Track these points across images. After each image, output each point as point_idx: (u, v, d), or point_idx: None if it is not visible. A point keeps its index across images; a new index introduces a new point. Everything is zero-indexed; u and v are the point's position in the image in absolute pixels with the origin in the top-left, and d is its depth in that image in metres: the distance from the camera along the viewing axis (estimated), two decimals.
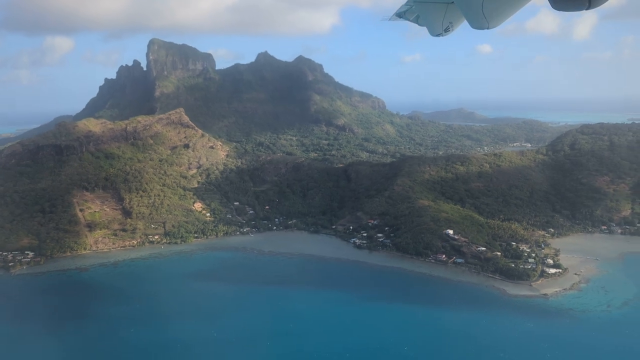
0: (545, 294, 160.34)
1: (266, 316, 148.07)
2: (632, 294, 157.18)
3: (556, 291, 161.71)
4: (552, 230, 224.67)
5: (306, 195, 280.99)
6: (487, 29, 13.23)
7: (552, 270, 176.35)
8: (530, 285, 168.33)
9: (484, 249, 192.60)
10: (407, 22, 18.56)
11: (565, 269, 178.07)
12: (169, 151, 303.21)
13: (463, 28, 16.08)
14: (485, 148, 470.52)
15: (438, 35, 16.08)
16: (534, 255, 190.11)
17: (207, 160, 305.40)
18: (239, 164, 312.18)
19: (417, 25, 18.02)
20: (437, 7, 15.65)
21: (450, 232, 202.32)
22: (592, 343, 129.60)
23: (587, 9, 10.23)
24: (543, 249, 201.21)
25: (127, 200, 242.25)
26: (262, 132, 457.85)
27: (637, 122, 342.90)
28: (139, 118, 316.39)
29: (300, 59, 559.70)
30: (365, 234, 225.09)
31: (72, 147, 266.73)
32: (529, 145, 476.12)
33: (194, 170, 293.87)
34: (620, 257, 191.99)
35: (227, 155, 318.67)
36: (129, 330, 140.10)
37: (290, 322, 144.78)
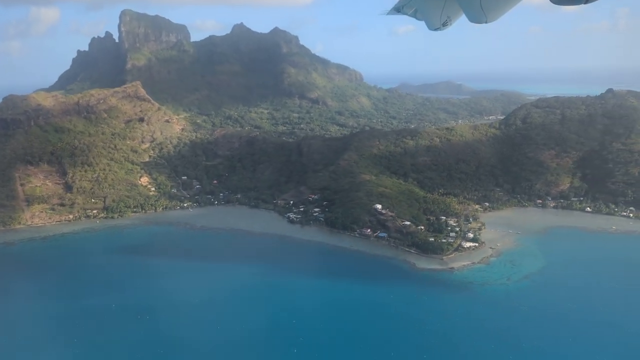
0: (452, 268, 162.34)
1: (171, 288, 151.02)
2: (537, 267, 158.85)
3: (464, 265, 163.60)
4: (487, 204, 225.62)
5: (256, 170, 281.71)
6: (485, 22, 13.36)
7: (468, 244, 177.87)
8: (442, 259, 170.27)
9: (408, 223, 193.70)
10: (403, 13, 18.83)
11: (482, 243, 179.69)
12: (123, 125, 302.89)
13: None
14: (460, 121, 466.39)
15: (436, 29, 16.34)
16: (457, 229, 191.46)
17: (161, 134, 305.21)
18: (194, 137, 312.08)
19: (415, 19, 18.20)
20: (435, 1, 15.79)
21: (379, 206, 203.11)
22: (478, 315, 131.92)
23: (585, 3, 10.55)
24: (470, 223, 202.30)
25: (71, 174, 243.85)
26: (234, 105, 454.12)
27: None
28: (92, 91, 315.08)
29: (275, 31, 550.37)
30: (302, 209, 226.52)
31: (19, 121, 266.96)
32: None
33: (147, 145, 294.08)
34: (543, 230, 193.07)
35: (182, 129, 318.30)
36: (32, 302, 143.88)
37: (196, 295, 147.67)
